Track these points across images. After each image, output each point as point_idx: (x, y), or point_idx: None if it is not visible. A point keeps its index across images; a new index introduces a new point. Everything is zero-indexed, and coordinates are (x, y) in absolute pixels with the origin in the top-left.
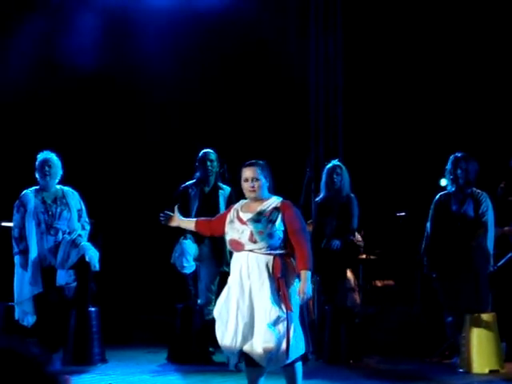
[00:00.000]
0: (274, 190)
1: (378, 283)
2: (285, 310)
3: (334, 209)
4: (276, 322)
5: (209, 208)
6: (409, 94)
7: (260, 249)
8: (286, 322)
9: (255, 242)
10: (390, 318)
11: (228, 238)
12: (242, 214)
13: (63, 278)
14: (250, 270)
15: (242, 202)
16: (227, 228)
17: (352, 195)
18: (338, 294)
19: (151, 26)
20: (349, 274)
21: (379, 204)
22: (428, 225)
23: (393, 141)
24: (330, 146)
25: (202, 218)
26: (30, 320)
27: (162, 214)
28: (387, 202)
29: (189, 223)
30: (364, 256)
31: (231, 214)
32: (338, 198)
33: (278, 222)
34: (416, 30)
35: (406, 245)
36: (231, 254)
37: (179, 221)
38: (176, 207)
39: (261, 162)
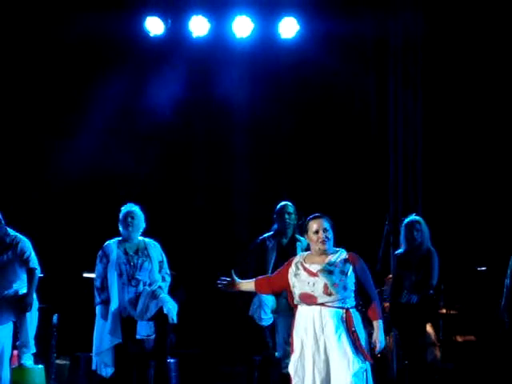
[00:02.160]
0: (352, 244)
1: (459, 338)
2: (364, 361)
3: (413, 263)
4: (359, 374)
5: (286, 260)
6: (489, 147)
7: (333, 301)
8: (366, 374)
9: (330, 294)
10: (471, 375)
11: (298, 291)
12: (309, 266)
13: (144, 329)
14: (323, 324)
15: (303, 254)
16: (293, 281)
17: (432, 249)
18: (417, 349)
19: (229, 74)
20: (429, 328)
21: (459, 258)
22: (507, 282)
23: (474, 194)
24: (409, 200)
25: (260, 277)
26: (108, 371)
27: (218, 281)
28: (468, 256)
29: (248, 285)
30: (444, 311)
31: (293, 268)
32: (418, 252)
33: (350, 273)
34: (497, 85)
35: (487, 299)
36: None
37: (238, 284)
38: (232, 271)
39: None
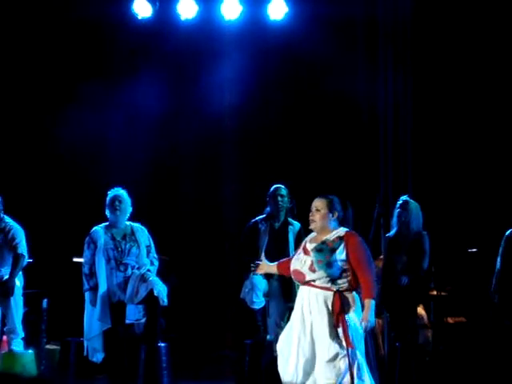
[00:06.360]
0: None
1: (450, 320)
2: (345, 347)
3: (404, 245)
4: (336, 359)
5: (278, 244)
6: (479, 129)
7: (319, 279)
8: (347, 359)
9: (314, 271)
10: (462, 356)
11: (292, 268)
12: (307, 245)
13: (133, 314)
14: (311, 305)
15: (311, 234)
16: (293, 259)
17: (424, 232)
18: (409, 331)
19: (218, 56)
20: (421, 310)
21: (450, 240)
22: (498, 261)
23: (464, 176)
24: (399, 182)
25: (283, 260)
26: (99, 356)
27: (252, 264)
28: (458, 238)
29: (273, 267)
30: (435, 292)
31: (301, 247)
32: (410, 235)
33: (339, 250)
34: (486, 67)
35: (478, 281)
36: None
37: (267, 267)
38: (263, 255)
39: (329, 196)
